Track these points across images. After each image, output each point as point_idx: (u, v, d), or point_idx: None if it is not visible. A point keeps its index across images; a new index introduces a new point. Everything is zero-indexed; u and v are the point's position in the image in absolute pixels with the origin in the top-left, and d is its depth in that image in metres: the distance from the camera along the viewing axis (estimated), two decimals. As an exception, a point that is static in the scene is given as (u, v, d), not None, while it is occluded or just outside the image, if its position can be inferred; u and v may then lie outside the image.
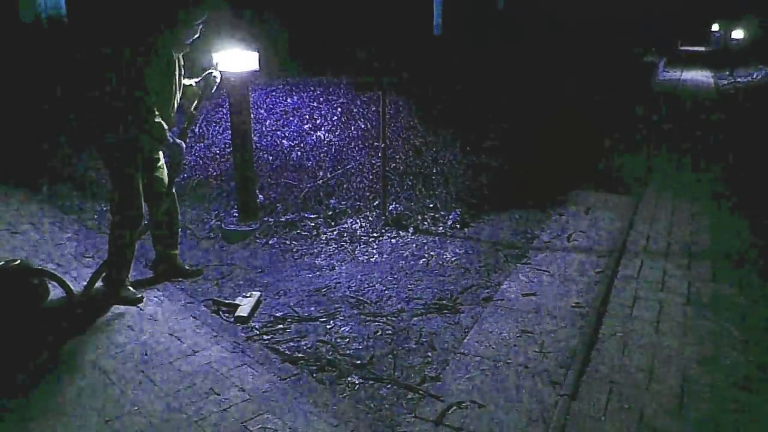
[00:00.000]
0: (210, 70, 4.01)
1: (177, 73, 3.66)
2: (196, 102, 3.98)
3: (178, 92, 3.74)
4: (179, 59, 3.69)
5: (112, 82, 3.51)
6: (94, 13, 7.91)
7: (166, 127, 3.55)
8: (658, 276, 4.11)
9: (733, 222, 5.27)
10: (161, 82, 3.54)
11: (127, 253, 3.72)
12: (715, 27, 29.73)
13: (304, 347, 3.22)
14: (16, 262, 3.34)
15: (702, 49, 32.89)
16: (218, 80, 4.05)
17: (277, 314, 3.59)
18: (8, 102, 7.10)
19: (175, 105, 3.75)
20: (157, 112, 3.49)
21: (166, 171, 3.92)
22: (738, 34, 20.68)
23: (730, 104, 12.92)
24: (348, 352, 3.19)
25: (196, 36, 3.67)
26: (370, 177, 5.56)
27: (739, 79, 17.51)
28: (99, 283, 3.76)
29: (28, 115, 6.98)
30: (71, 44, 7.55)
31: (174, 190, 4.04)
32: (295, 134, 6.22)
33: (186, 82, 3.93)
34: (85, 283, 3.64)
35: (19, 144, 6.82)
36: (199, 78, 4.01)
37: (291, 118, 6.53)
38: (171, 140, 3.59)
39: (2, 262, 3.33)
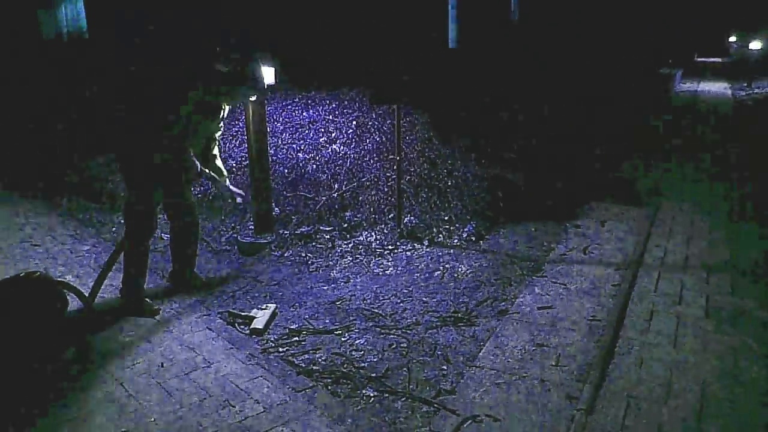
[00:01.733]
0: (239, 193, 4.18)
1: (220, 118, 3.86)
2: (212, 176, 4.03)
3: (213, 140, 3.97)
4: (225, 109, 3.87)
5: (156, 90, 3.66)
6: (115, 30, 8.05)
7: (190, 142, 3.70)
8: (675, 289, 4.06)
9: (751, 235, 5.20)
10: (203, 109, 3.68)
11: (141, 262, 3.76)
12: (733, 38, 29.59)
13: (319, 360, 3.23)
14: (36, 274, 3.39)
15: (719, 60, 32.69)
16: (238, 201, 4.25)
17: (292, 326, 3.60)
18: (30, 116, 7.24)
19: (211, 147, 3.98)
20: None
21: (189, 186, 3.99)
22: (756, 45, 20.55)
23: (748, 115, 12.79)
24: (363, 364, 3.19)
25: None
26: (386, 190, 5.57)
27: (756, 91, 17.37)
28: (117, 295, 3.81)
29: (49, 130, 7.10)
30: (92, 60, 7.69)
31: (195, 203, 4.10)
32: (310, 147, 6.26)
33: (220, 163, 4.11)
34: (101, 293, 3.69)
35: (40, 158, 6.94)
36: (228, 187, 4.14)
37: (307, 132, 6.58)
38: (191, 154, 3.67)
39: (23, 274, 3.39)
